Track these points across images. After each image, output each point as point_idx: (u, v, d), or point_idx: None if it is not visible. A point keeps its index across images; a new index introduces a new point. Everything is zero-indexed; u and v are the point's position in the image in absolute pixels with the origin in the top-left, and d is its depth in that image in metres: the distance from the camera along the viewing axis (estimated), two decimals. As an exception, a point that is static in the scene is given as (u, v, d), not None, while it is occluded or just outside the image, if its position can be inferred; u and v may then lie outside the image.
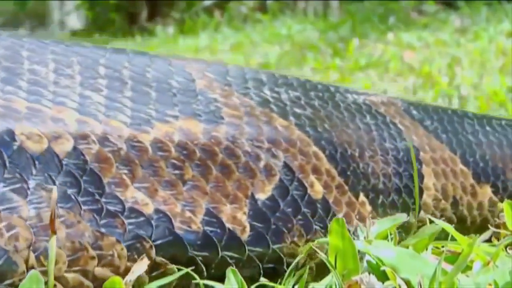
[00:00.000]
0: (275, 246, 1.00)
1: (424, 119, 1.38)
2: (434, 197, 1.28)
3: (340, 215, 1.09)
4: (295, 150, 1.09)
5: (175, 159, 0.97)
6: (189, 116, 1.03)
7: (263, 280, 1.02)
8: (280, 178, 1.05)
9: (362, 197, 1.16)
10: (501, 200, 1.33)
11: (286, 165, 1.07)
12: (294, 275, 1.01)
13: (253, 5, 8.87)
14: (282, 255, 1.01)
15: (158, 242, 0.91)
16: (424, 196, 1.27)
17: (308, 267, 1.03)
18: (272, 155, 1.06)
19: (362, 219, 1.13)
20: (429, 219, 1.16)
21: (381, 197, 1.19)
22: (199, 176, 0.98)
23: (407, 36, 5.51)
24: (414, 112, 1.38)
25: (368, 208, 1.16)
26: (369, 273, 0.94)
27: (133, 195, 0.92)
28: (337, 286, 0.94)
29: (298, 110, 1.18)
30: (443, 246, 1.10)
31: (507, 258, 1.07)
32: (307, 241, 1.04)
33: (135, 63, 1.09)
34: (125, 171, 0.92)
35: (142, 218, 0.91)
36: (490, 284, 0.93)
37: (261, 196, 1.02)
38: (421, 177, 1.27)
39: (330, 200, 1.10)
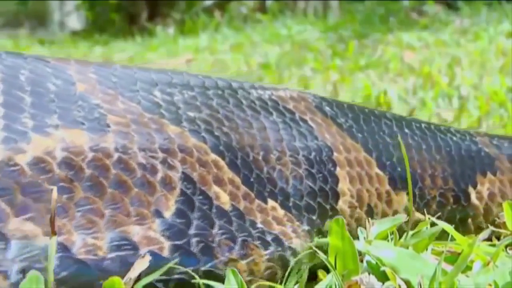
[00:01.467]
0: (205, 264, 0.92)
1: (337, 116, 1.26)
2: (350, 203, 1.17)
3: (258, 222, 1.01)
4: (193, 160, 1.00)
5: (61, 180, 0.85)
6: (71, 125, 0.90)
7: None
8: (182, 191, 0.95)
9: (271, 202, 1.06)
10: (418, 210, 1.24)
11: (186, 177, 0.97)
12: (294, 275, 1.01)
13: (253, 6, 8.87)
14: (216, 271, 0.93)
15: (60, 275, 0.82)
16: (340, 202, 1.16)
17: (308, 267, 1.03)
18: (169, 167, 0.96)
19: (279, 222, 1.05)
20: (430, 220, 1.16)
21: (291, 200, 1.09)
22: (92, 196, 0.87)
23: (407, 36, 5.51)
24: (327, 108, 1.26)
25: (281, 211, 1.06)
26: (369, 274, 0.94)
27: (18, 227, 0.80)
28: (337, 287, 0.94)
29: (192, 113, 1.06)
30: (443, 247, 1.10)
31: (507, 258, 1.07)
32: (240, 254, 0.96)
33: (7, 64, 0.95)
34: (3, 201, 0.80)
35: (36, 251, 0.81)
36: (490, 285, 0.93)
37: (166, 212, 0.92)
38: (336, 180, 1.16)
39: (241, 209, 1.01)
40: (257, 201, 1.04)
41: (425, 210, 1.25)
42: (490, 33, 5.35)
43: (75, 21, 10.74)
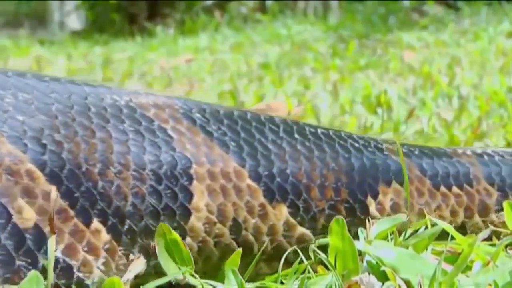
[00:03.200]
0: None
1: (208, 124, 1.15)
2: (206, 220, 1.07)
3: (61, 246, 0.92)
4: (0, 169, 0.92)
5: None
6: None
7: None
8: None
9: (96, 223, 0.97)
10: (302, 224, 1.14)
11: None
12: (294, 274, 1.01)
13: (253, 6, 8.87)
14: None
15: None
16: (192, 219, 1.06)
17: (308, 267, 1.03)
18: None
19: (92, 250, 0.95)
20: (430, 220, 1.16)
21: (128, 222, 0.99)
22: None
23: (407, 36, 5.51)
24: (197, 115, 1.15)
25: (105, 237, 0.97)
26: (369, 273, 0.94)
27: None
28: (337, 287, 0.94)
29: (21, 118, 0.98)
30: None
31: (507, 258, 1.07)
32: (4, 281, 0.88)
33: None
34: None
35: None
36: (490, 284, 0.93)
37: None
38: (189, 195, 1.06)
39: (46, 229, 0.92)
40: (75, 220, 0.95)
41: (312, 223, 1.15)
42: (490, 33, 5.35)
43: (75, 21, 10.73)
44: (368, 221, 1.15)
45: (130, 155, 1.03)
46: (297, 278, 0.99)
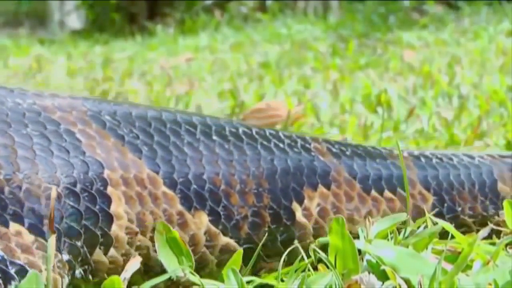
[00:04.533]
0: None
1: (119, 127, 1.08)
2: (128, 229, 1.01)
3: None
4: None
5: None
6: None
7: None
8: None
9: (14, 225, 0.93)
10: (225, 233, 1.07)
11: None
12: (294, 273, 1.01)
13: (253, 5, 8.87)
14: None
15: None
16: (114, 227, 1.00)
17: (308, 266, 1.03)
18: None
19: (25, 249, 0.91)
20: (431, 219, 1.16)
21: (46, 222, 0.94)
22: None
23: (407, 35, 5.50)
24: (107, 118, 1.08)
25: (29, 237, 0.92)
26: (369, 273, 0.94)
27: None
28: (337, 286, 0.94)
29: None
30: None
31: (507, 257, 1.07)
32: None
33: None
34: None
35: None
36: (490, 284, 0.93)
37: None
38: (108, 201, 1.00)
39: None
40: None
41: (236, 232, 1.08)
42: (490, 32, 5.35)
43: (75, 21, 10.73)
44: (295, 227, 1.10)
45: (37, 159, 0.98)
46: (297, 277, 0.99)
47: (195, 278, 0.97)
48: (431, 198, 1.25)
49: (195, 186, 1.06)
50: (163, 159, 1.07)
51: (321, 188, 1.16)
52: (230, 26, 8.00)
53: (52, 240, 0.92)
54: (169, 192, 1.05)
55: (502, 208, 1.21)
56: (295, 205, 1.13)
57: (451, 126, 2.38)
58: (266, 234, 1.09)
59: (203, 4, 9.01)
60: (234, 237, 1.07)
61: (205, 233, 1.06)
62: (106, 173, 1.01)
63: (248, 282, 1.00)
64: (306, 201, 1.14)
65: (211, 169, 1.09)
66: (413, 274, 0.93)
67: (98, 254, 0.99)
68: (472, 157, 1.34)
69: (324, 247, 1.04)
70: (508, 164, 1.34)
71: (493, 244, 1.12)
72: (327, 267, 1.01)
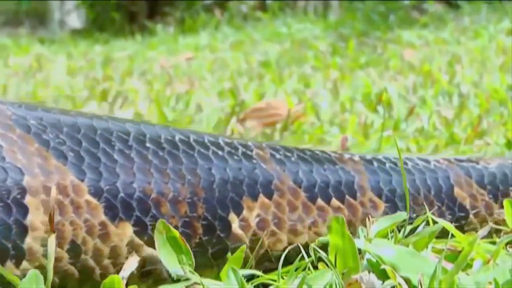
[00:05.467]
0: None
1: (45, 131, 1.02)
2: (43, 241, 0.94)
3: None
4: None
5: None
6: None
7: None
8: None
9: None
10: (149, 244, 1.01)
11: None
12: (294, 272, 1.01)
13: (253, 4, 8.87)
14: None
15: None
16: (28, 240, 0.94)
17: (308, 266, 1.03)
18: None
19: None
20: (432, 219, 1.15)
21: None
22: None
23: (407, 34, 5.50)
24: (32, 122, 1.02)
25: None
26: (369, 272, 0.94)
27: None
28: (337, 285, 0.94)
29: None
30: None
31: (507, 256, 1.07)
32: None
33: None
34: None
35: None
36: (490, 283, 0.93)
37: None
38: (24, 211, 0.94)
39: None
40: None
41: None
42: (490, 31, 5.35)
43: (75, 20, 10.73)
44: (230, 239, 1.05)
45: None
46: (297, 276, 0.99)
47: (196, 278, 0.97)
48: (382, 206, 1.18)
49: (122, 195, 1.00)
50: (90, 166, 1.01)
51: (262, 198, 1.10)
52: (230, 25, 8.00)
53: (52, 238, 0.91)
54: (93, 201, 0.99)
55: (457, 213, 1.19)
56: (232, 216, 1.07)
57: (451, 125, 2.38)
58: (196, 246, 1.03)
59: (203, 3, 9.01)
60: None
61: (127, 245, 1.00)
62: (26, 180, 0.96)
63: (248, 281, 1.00)
64: (244, 212, 1.08)
65: (141, 177, 1.03)
66: (413, 273, 0.93)
67: (9, 267, 0.93)
68: (427, 162, 1.28)
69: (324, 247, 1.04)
70: (465, 168, 1.29)
71: (493, 243, 1.12)
72: (327, 266, 1.01)
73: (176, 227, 1.01)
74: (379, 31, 5.88)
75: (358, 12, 7.15)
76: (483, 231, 1.15)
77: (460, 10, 6.65)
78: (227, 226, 1.07)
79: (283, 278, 1.01)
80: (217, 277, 1.03)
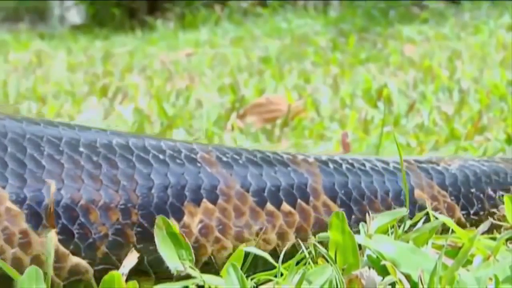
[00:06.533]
0: None
1: None
2: None
3: None
4: None
5: None
6: None
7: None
8: None
9: None
10: (75, 253, 0.95)
11: None
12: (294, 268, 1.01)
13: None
14: None
15: None
16: None
17: (308, 262, 1.03)
18: None
19: None
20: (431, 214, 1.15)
21: None
22: None
23: (408, 30, 5.50)
24: None
25: None
26: (369, 268, 0.94)
27: None
28: (337, 281, 0.94)
29: None
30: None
31: (508, 252, 1.07)
32: None
33: None
34: None
35: None
36: (490, 279, 0.93)
37: None
38: None
39: None
40: None
41: (90, 252, 0.96)
42: (490, 26, 5.35)
43: (75, 16, 10.74)
44: None
45: None
46: (297, 271, 0.99)
47: (196, 274, 0.97)
48: (336, 209, 1.11)
49: (46, 203, 0.94)
50: (13, 172, 0.95)
51: (205, 203, 1.04)
52: (230, 20, 8.00)
53: (51, 234, 0.91)
54: (14, 208, 0.93)
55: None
56: (173, 222, 1.01)
57: (452, 121, 2.38)
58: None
59: (203, -1, 9.01)
60: (87, 258, 0.95)
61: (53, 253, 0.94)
62: None
63: (247, 277, 1.00)
64: (185, 218, 1.02)
65: (70, 183, 0.97)
66: (413, 269, 0.93)
67: None
68: (387, 163, 1.22)
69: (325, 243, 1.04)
70: (426, 170, 1.25)
71: (494, 239, 1.12)
72: (327, 262, 1.01)
73: (106, 235, 0.96)
74: (380, 27, 5.88)
75: (358, 8, 7.16)
76: (483, 227, 1.15)
77: (460, 6, 6.65)
78: None
79: (282, 274, 1.01)
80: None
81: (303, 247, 1.06)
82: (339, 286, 0.93)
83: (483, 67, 3.65)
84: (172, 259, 0.98)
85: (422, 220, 1.14)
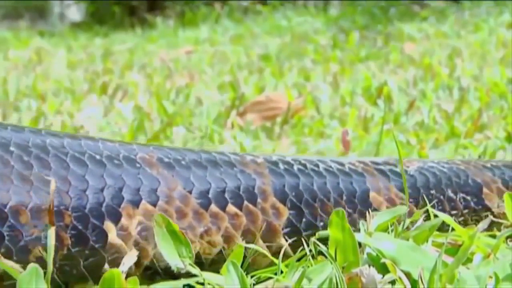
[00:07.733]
0: None
1: None
2: None
3: None
4: None
5: None
6: None
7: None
8: None
9: None
10: (6, 255, 0.91)
11: None
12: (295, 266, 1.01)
13: (253, -3, 8.86)
14: None
15: None
16: None
17: (309, 259, 1.03)
18: None
19: None
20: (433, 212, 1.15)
21: None
22: None
23: (408, 27, 5.50)
24: None
25: None
26: (369, 266, 0.94)
27: None
28: (337, 279, 0.94)
29: None
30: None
31: (508, 250, 1.07)
32: None
33: None
34: None
35: None
36: (490, 276, 0.93)
37: None
38: None
39: None
40: None
41: (23, 255, 0.92)
42: (490, 24, 5.34)
43: (75, 13, 10.73)
44: (107, 250, 0.96)
45: None
46: (297, 269, 0.99)
47: (196, 271, 0.97)
48: (286, 213, 1.09)
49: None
50: None
51: (145, 205, 1.01)
52: (230, 18, 7.99)
53: (51, 231, 0.91)
54: None
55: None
56: (109, 225, 0.97)
57: (452, 119, 2.38)
58: (64, 259, 0.94)
59: (203, -4, 9.01)
60: (20, 261, 0.92)
61: None
62: None
63: (247, 275, 0.99)
64: (123, 220, 0.98)
65: (0, 185, 0.93)
66: (413, 267, 0.93)
67: None
68: (341, 164, 1.19)
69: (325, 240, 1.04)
70: (383, 171, 1.21)
71: (494, 236, 1.12)
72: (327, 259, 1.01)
73: (38, 238, 0.92)
74: (380, 25, 5.88)
75: (359, 6, 7.15)
76: (483, 225, 1.15)
77: (460, 4, 6.65)
78: (103, 235, 0.97)
79: (282, 272, 1.01)
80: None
81: (305, 246, 1.06)
82: (339, 284, 0.93)
83: (483, 65, 3.65)
84: (172, 256, 0.98)
85: (422, 218, 1.14)
